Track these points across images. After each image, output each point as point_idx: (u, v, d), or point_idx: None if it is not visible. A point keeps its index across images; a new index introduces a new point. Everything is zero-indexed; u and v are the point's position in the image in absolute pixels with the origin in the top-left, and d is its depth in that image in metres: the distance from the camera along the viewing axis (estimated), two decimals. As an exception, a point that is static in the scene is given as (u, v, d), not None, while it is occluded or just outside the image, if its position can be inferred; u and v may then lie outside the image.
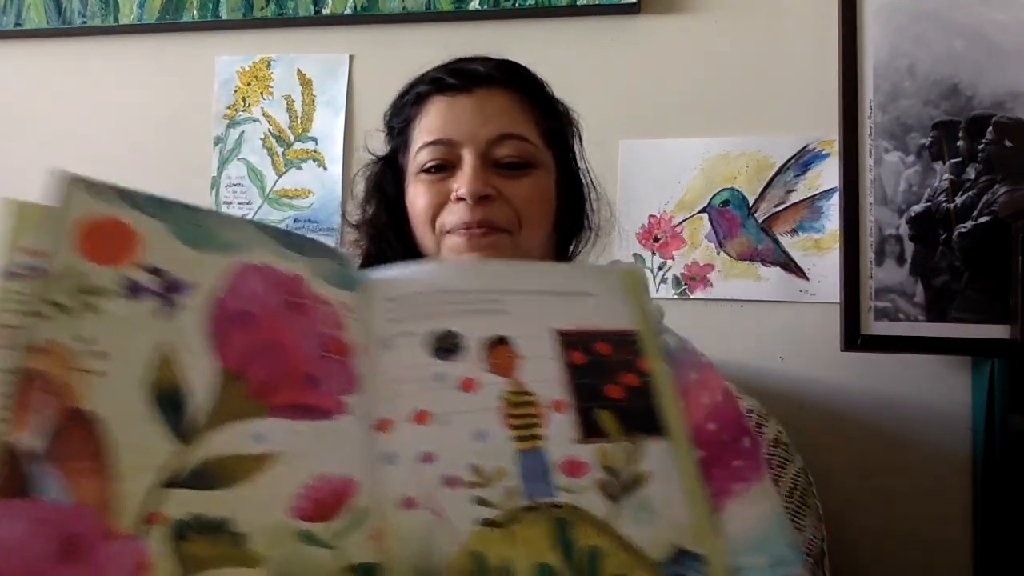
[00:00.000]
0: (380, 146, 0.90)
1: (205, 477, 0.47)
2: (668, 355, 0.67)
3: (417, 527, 0.50)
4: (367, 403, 0.53)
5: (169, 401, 0.48)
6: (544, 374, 0.57)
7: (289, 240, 0.57)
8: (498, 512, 0.52)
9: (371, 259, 0.84)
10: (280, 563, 0.46)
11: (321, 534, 0.48)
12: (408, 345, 0.55)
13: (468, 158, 0.75)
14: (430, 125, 0.79)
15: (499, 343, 0.58)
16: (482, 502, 0.52)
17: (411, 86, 0.83)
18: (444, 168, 0.77)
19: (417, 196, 0.79)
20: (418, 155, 0.79)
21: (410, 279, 0.58)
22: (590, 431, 0.56)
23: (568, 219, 0.83)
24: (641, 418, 0.58)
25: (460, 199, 0.75)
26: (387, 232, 0.83)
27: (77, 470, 0.45)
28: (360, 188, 0.88)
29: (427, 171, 0.78)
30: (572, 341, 0.60)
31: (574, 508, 0.53)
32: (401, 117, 0.84)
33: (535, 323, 0.59)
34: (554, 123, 0.81)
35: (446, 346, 0.56)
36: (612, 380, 0.59)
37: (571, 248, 0.84)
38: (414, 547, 0.49)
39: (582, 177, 0.87)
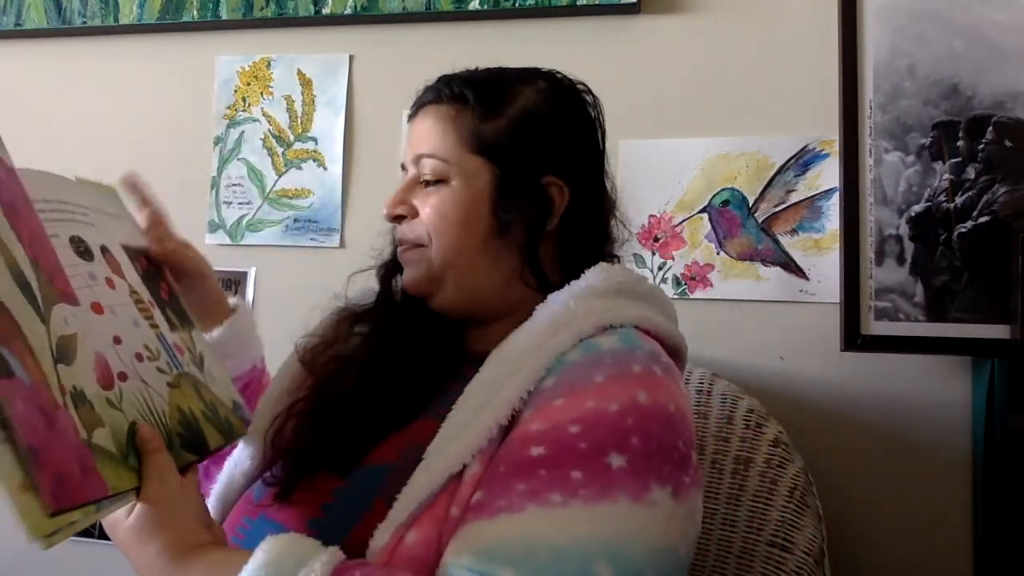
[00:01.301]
0: None
1: (63, 353, 0.55)
2: (586, 354, 0.68)
3: (136, 392, 0.64)
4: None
5: (22, 282, 0.54)
6: (134, 278, 0.71)
7: None
8: (170, 377, 0.69)
9: (387, 267, 0.86)
10: (109, 423, 0.59)
11: (113, 399, 0.60)
12: (60, 246, 0.63)
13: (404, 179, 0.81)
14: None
15: (106, 251, 0.69)
16: (160, 371, 0.68)
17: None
18: None
19: None
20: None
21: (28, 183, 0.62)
22: (170, 323, 0.74)
23: (516, 224, 0.77)
24: (182, 314, 0.77)
25: None
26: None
27: (18, 350, 0.51)
28: None
29: None
30: (131, 254, 0.74)
31: (193, 375, 0.73)
32: None
33: (112, 236, 0.72)
34: (496, 129, 0.77)
35: (81, 249, 0.66)
36: (159, 285, 0.76)
37: (544, 254, 0.79)
38: (145, 407, 0.64)
39: (567, 182, 0.79)
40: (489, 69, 0.83)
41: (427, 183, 0.78)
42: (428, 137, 0.79)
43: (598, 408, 0.63)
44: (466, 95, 0.78)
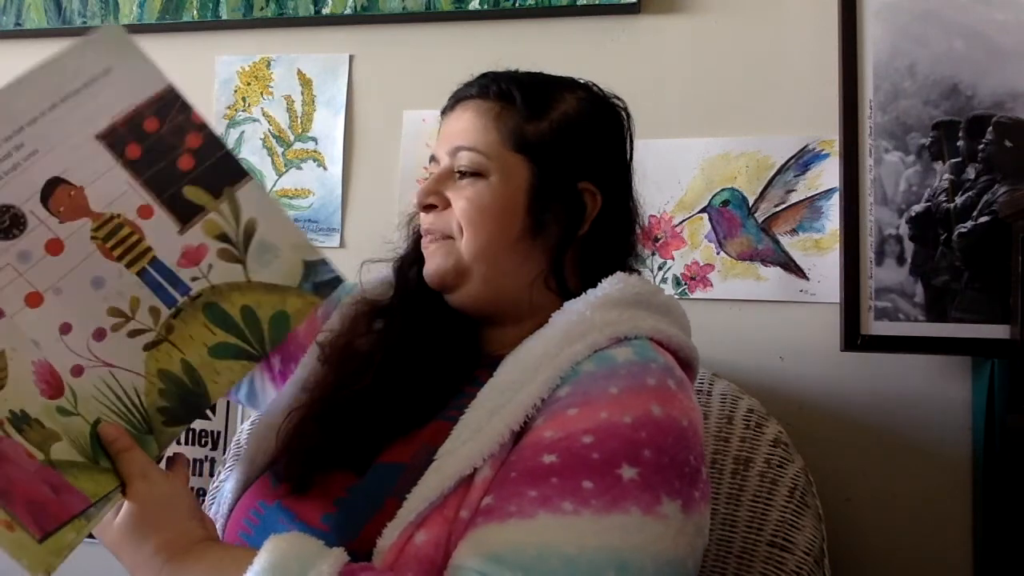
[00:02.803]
0: None
1: None
2: (601, 365, 0.67)
3: (98, 383, 0.58)
4: None
5: None
6: (114, 189, 0.56)
7: None
8: (153, 333, 0.59)
9: (405, 261, 0.86)
10: (66, 433, 0.55)
11: (66, 406, 0.56)
12: None
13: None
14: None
15: (53, 186, 0.55)
16: (136, 333, 0.58)
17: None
18: None
19: None
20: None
21: None
22: (186, 214, 0.59)
23: (550, 226, 0.79)
24: (221, 171, 0.59)
25: None
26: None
27: None
28: None
29: None
30: (119, 137, 0.57)
31: (211, 288, 0.59)
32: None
33: (73, 142, 0.55)
34: (539, 130, 0.79)
35: (5, 223, 0.54)
36: (177, 152, 0.59)
37: (570, 256, 0.80)
38: (110, 397, 0.58)
39: (587, 187, 0.81)
40: (530, 72, 0.84)
41: (462, 176, 0.78)
42: (469, 131, 0.78)
43: (612, 419, 0.63)
44: (512, 93, 0.79)
